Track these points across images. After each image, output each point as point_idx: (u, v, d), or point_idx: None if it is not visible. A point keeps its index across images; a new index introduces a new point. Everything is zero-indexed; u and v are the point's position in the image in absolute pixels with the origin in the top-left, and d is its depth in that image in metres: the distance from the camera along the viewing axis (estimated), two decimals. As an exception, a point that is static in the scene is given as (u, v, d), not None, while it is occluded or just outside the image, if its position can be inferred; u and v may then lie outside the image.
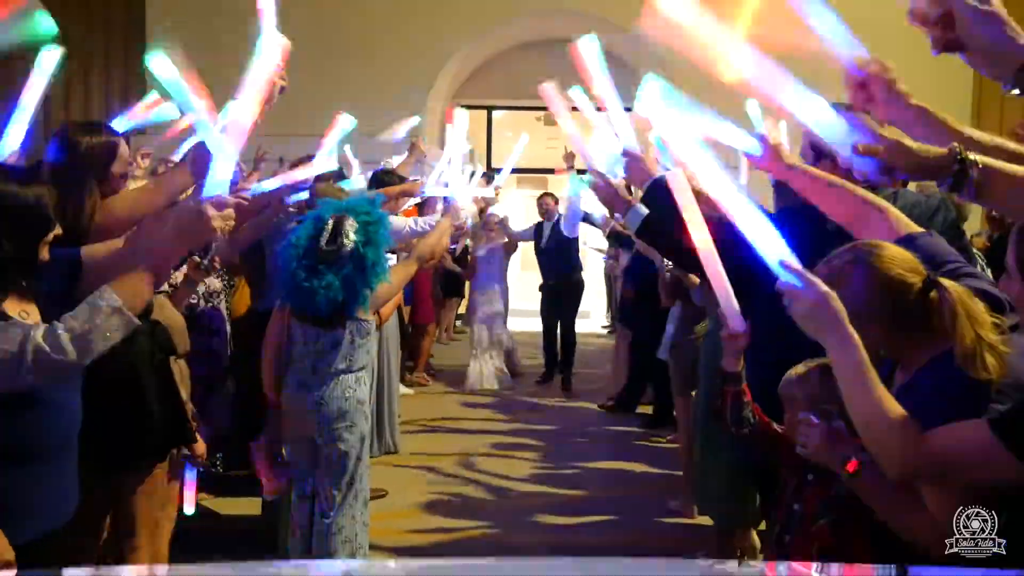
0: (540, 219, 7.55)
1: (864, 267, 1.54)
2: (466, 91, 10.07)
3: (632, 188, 2.86)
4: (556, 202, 7.44)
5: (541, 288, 7.59)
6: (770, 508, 1.95)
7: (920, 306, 1.49)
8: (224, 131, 1.79)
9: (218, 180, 1.74)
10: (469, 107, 10.35)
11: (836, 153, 1.81)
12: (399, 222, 3.95)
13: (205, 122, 1.94)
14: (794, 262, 1.45)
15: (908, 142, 1.37)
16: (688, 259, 2.85)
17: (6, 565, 1.64)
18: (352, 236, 2.79)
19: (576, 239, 7.32)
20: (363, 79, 8.03)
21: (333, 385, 2.95)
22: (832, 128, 1.42)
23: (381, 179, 4.58)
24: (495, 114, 10.81)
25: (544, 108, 3.16)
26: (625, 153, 2.52)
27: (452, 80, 9.59)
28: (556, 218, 7.28)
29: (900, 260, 1.54)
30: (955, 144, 1.34)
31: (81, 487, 1.93)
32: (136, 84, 7.59)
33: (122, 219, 2.30)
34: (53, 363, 1.56)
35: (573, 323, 7.47)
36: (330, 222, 2.81)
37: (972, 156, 1.33)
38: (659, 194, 2.46)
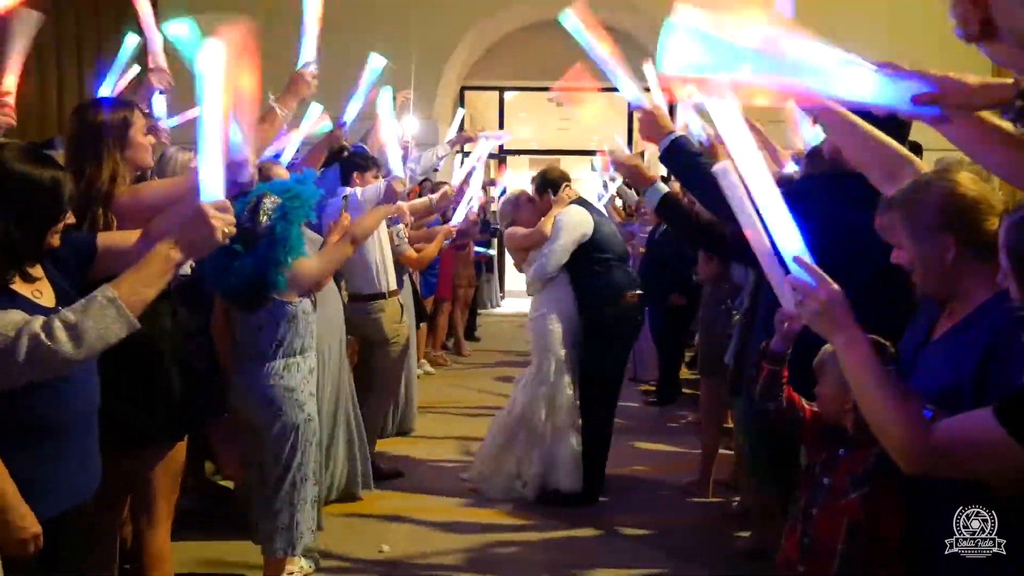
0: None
1: (944, 183, 1.56)
2: (477, 72, 10.04)
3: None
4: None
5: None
6: (793, 485, 1.95)
7: (993, 236, 1.42)
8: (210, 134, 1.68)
9: (210, 187, 1.69)
10: (481, 88, 10.40)
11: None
12: (371, 191, 3.97)
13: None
14: (808, 259, 1.44)
15: (967, 78, 1.30)
16: (709, 237, 2.83)
17: (34, 538, 1.68)
18: (269, 213, 2.65)
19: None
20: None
21: (260, 371, 2.87)
22: (882, 92, 1.31)
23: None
24: (507, 95, 10.77)
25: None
26: (636, 107, 2.44)
27: (464, 61, 9.56)
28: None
29: (977, 186, 1.55)
30: (1021, 78, 1.28)
31: (104, 464, 1.95)
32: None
33: (149, 206, 2.36)
34: (48, 353, 1.55)
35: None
36: (252, 200, 2.67)
37: None
38: (677, 153, 2.44)
